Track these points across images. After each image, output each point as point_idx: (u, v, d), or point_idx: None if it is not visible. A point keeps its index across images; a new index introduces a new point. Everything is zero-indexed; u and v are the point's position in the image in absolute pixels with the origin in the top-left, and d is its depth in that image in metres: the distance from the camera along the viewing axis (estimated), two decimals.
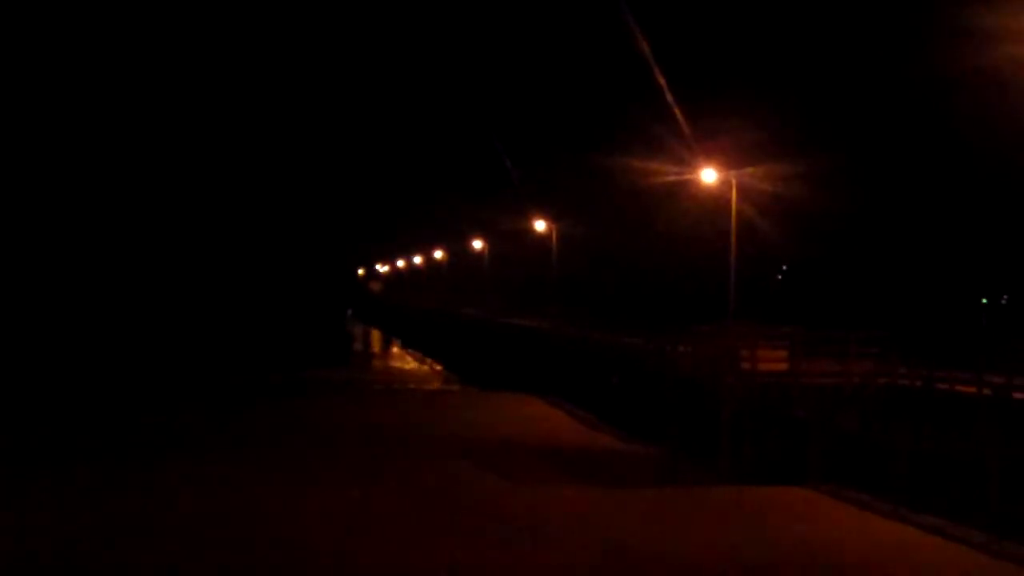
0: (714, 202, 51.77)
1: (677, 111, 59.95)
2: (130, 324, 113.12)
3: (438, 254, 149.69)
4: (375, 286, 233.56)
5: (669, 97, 60.66)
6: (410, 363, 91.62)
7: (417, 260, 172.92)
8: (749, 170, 47.83)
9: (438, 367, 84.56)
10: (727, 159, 48.44)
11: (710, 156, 49.11)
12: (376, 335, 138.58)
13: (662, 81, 60.71)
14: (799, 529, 24.91)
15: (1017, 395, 26.50)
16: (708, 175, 47.50)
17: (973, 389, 27.82)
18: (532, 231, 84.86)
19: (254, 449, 37.04)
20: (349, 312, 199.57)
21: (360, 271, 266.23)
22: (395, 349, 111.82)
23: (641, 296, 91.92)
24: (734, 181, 45.66)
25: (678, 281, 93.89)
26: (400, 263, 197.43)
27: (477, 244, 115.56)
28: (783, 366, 34.35)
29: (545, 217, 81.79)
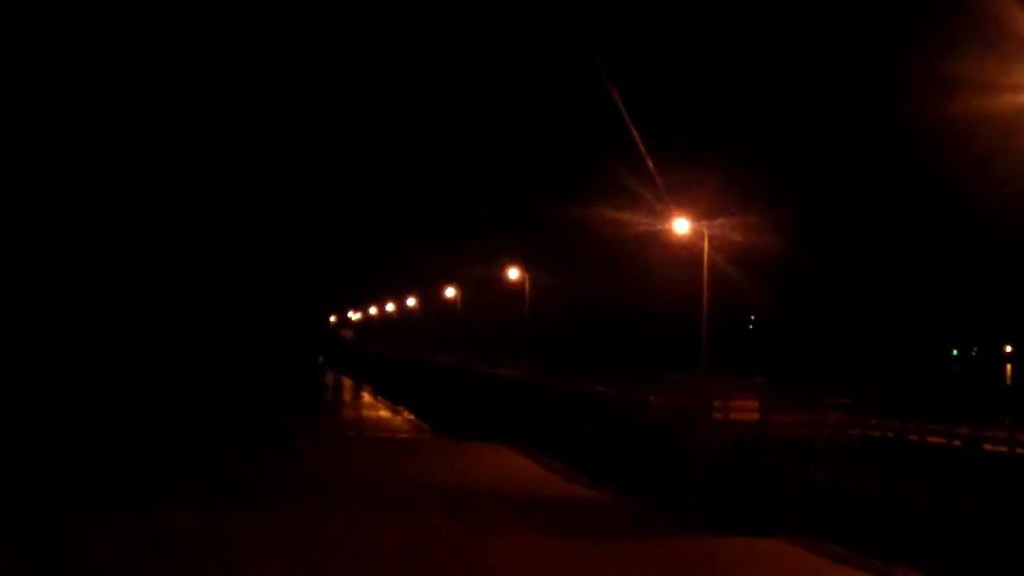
0: (686, 252, 51.95)
1: (649, 162, 60.28)
2: (93, 371, 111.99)
3: (411, 302, 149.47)
4: (347, 334, 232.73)
5: (642, 148, 61.05)
6: (381, 411, 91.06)
7: (389, 308, 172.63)
8: (720, 221, 48.08)
9: (409, 415, 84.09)
10: (699, 210, 48.69)
11: (682, 207, 49.36)
12: (347, 382, 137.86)
13: (635, 132, 61.13)
14: None
15: (987, 446, 26.58)
16: (680, 225, 47.70)
17: (944, 440, 27.89)
18: (505, 279, 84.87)
19: (219, 498, 36.55)
20: (320, 359, 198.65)
21: (332, 319, 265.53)
22: (366, 397, 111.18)
23: (613, 345, 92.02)
24: (706, 232, 45.87)
25: (650, 330, 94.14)
26: (372, 311, 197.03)
27: (450, 292, 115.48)
28: (755, 416, 34.36)
29: (518, 266, 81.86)
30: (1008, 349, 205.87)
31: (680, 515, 33.71)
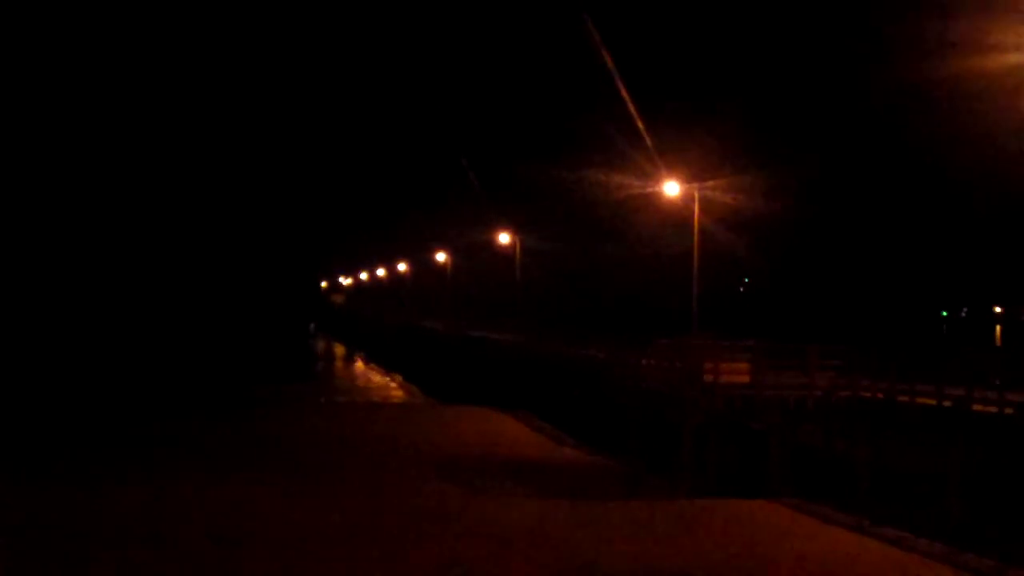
0: (677, 215, 51.96)
1: (640, 124, 60.21)
2: (79, 342, 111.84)
3: (402, 267, 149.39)
4: (338, 299, 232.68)
5: (632, 110, 60.92)
6: (373, 377, 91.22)
7: (380, 273, 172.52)
8: (712, 183, 48.05)
9: (401, 380, 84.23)
10: (690, 172, 48.66)
11: (673, 169, 49.31)
12: (339, 348, 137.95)
13: (625, 94, 60.98)
14: (762, 542, 24.88)
15: (977, 407, 26.69)
16: (671, 188, 47.67)
17: (934, 401, 28.00)
18: (496, 243, 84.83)
19: (219, 461, 36.62)
20: (312, 326, 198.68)
21: (323, 284, 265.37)
22: (358, 362, 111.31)
23: (605, 308, 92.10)
24: (696, 194, 45.87)
25: (641, 293, 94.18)
26: (363, 276, 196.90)
27: (441, 257, 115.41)
28: (745, 379, 34.48)
29: (509, 229, 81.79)
30: (997, 310, 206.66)
31: (670, 477, 33.84)
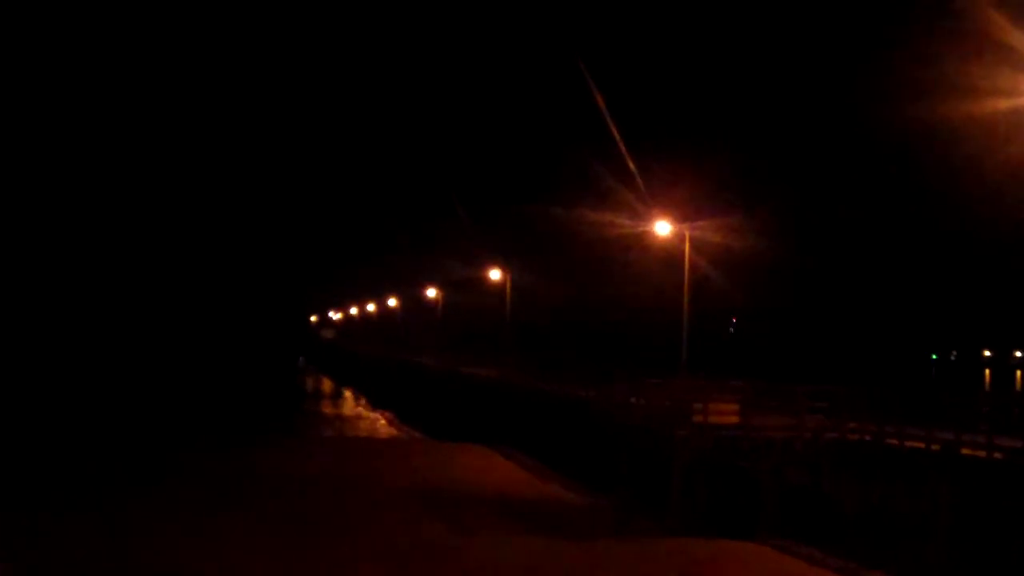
0: (667, 254, 52.04)
1: (631, 163, 60.46)
2: (63, 373, 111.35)
3: (392, 302, 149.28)
4: (328, 334, 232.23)
5: (623, 149, 61.19)
6: (362, 412, 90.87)
7: (371, 308, 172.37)
8: (702, 223, 48.16)
9: (390, 416, 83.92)
10: (681, 212, 48.78)
11: (664, 208, 49.43)
12: (328, 383, 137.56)
13: (617, 134, 61.28)
14: None
15: (965, 451, 26.66)
16: (662, 227, 47.76)
17: (922, 445, 27.98)
18: (487, 280, 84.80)
19: (195, 497, 36.36)
20: (301, 360, 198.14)
21: (313, 318, 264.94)
22: (347, 397, 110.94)
23: (595, 346, 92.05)
24: (687, 234, 45.94)
25: (632, 332, 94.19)
26: (353, 311, 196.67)
27: (431, 292, 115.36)
28: (734, 419, 34.41)
29: (499, 266, 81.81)
30: (987, 354, 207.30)
31: (659, 517, 33.70)
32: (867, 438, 30.49)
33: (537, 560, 26.97)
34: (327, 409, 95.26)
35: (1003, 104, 29.08)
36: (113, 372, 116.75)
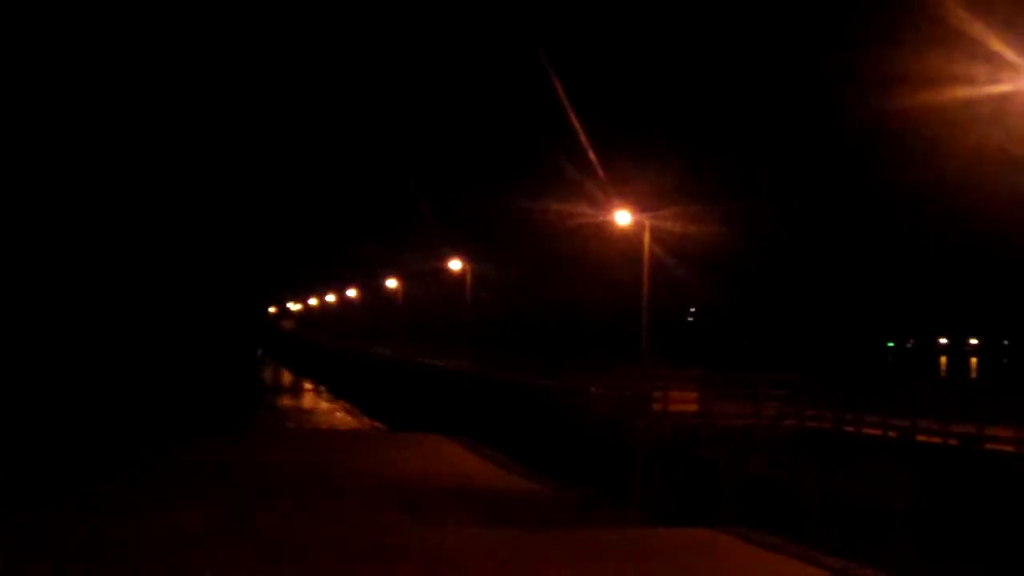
0: (628, 244, 52.16)
1: (592, 154, 60.52)
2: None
3: (352, 293, 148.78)
4: (287, 325, 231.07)
5: (584, 140, 61.24)
6: (322, 403, 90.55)
7: (330, 299, 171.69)
8: (662, 213, 48.30)
9: (350, 407, 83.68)
10: (641, 202, 48.89)
11: (625, 198, 49.51)
12: (287, 375, 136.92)
13: (577, 124, 61.32)
14: (707, 571, 24.89)
15: (921, 438, 26.92)
16: (622, 217, 47.85)
17: (879, 432, 28.22)
18: (447, 271, 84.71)
19: (152, 490, 36.06)
20: (260, 351, 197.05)
21: (272, 309, 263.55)
22: (306, 389, 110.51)
23: (556, 336, 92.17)
24: (647, 224, 46.08)
25: (592, 321, 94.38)
26: (313, 301, 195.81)
27: (391, 283, 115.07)
28: (694, 407, 34.56)
29: (460, 257, 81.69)
30: (943, 341, 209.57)
31: (620, 506, 33.78)
32: (825, 426, 30.73)
33: (498, 551, 26.95)
34: (286, 401, 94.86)
35: (961, 93, 29.31)
36: (64, 363, 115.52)
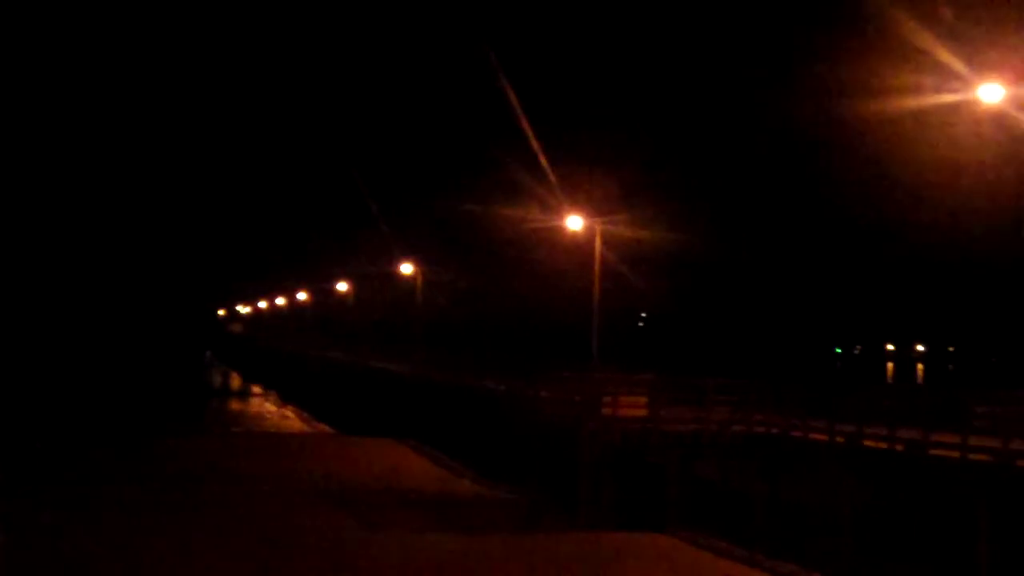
0: (579, 249, 52.22)
1: (543, 159, 60.58)
2: None
3: (302, 296, 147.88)
4: (236, 328, 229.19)
5: (535, 145, 61.29)
6: (271, 407, 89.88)
7: (280, 302, 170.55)
8: (614, 217, 48.41)
9: (300, 411, 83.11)
10: (593, 207, 48.98)
11: (576, 203, 49.60)
12: (236, 378, 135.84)
13: (528, 129, 61.36)
14: (655, 575, 24.98)
15: (868, 443, 27.13)
16: (574, 222, 47.92)
17: (826, 437, 28.41)
18: (398, 274, 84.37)
19: (100, 495, 35.60)
20: (208, 354, 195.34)
21: (221, 312, 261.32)
22: (255, 392, 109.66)
23: (507, 341, 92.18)
24: (598, 229, 46.16)
25: (544, 325, 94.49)
26: (262, 305, 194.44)
27: (342, 286, 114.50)
28: (643, 412, 34.60)
29: (411, 261, 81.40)
30: (890, 347, 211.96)
31: (569, 511, 33.79)
32: (773, 431, 30.89)
33: (447, 556, 26.89)
34: (234, 404, 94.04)
35: (909, 103, 29.63)
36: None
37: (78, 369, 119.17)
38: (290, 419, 77.71)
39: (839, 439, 27.93)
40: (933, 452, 25.14)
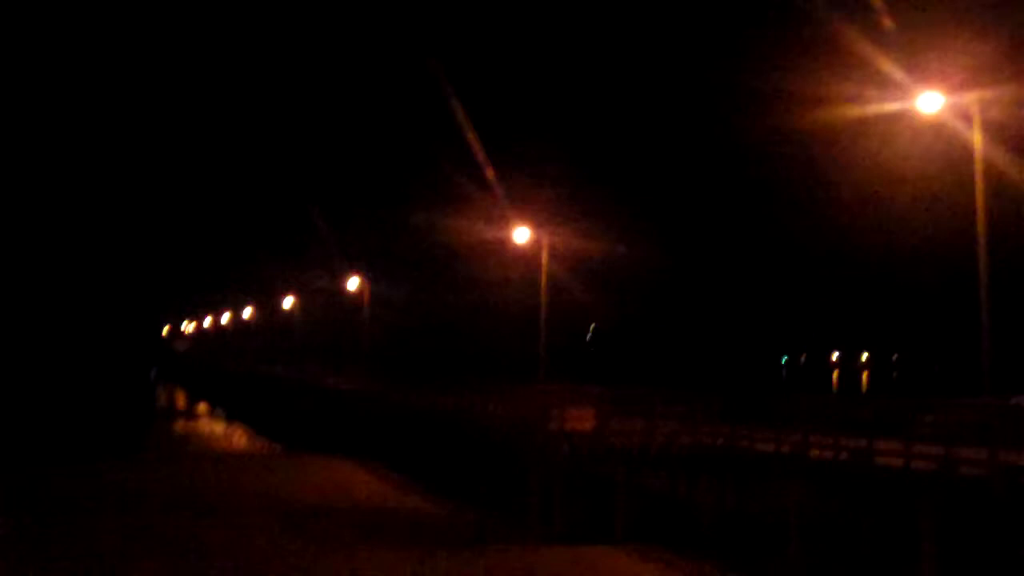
0: (527, 261, 52.22)
1: (489, 171, 60.59)
2: None
3: (247, 312, 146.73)
4: (181, 345, 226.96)
5: (481, 157, 61.28)
6: (216, 425, 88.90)
7: (225, 319, 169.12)
8: (561, 229, 48.48)
9: (246, 428, 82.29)
10: (540, 218, 49.02)
11: (523, 215, 49.60)
12: (181, 396, 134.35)
13: (474, 141, 61.34)
14: None
15: (814, 452, 27.26)
16: (521, 234, 47.90)
17: (773, 447, 28.52)
18: (345, 290, 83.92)
19: (40, 514, 34.95)
20: (153, 372, 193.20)
21: (165, 329, 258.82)
22: (201, 410, 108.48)
23: (456, 355, 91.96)
24: (544, 241, 46.18)
25: (491, 339, 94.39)
26: (207, 322, 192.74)
27: (288, 302, 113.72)
28: (591, 425, 34.57)
29: (358, 275, 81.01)
30: (835, 356, 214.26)
31: (518, 525, 33.65)
32: (720, 442, 30.96)
33: (394, 573, 26.64)
34: (180, 423, 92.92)
35: (851, 112, 29.90)
36: None
37: (20, 387, 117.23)
38: (237, 437, 76.89)
39: (785, 449, 28.04)
40: (878, 460, 25.30)
